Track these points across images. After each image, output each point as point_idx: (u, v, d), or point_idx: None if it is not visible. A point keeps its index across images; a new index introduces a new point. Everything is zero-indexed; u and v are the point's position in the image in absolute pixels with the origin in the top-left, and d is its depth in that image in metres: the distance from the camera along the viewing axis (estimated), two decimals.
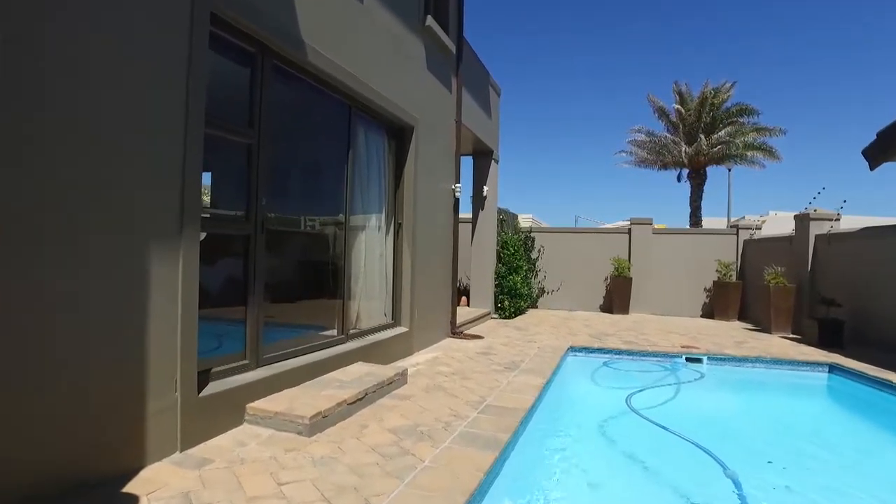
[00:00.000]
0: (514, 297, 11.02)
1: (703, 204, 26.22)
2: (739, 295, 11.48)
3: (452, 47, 7.78)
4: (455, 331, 8.19)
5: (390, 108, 6.04)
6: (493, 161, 10.95)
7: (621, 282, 12.18)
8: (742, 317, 11.58)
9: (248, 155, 4.00)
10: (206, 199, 5.05)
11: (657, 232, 12.67)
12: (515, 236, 11.73)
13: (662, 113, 26.27)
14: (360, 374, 4.76)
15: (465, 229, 10.19)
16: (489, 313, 10.75)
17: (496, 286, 11.10)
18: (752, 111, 24.38)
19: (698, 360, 7.32)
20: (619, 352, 7.58)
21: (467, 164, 10.90)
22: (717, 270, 11.85)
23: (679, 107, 24.90)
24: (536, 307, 13.03)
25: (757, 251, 11.57)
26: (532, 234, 13.02)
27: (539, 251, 13.19)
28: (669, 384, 6.38)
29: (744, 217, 31.09)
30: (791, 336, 9.16)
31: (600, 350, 7.64)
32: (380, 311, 6.40)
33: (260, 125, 4.08)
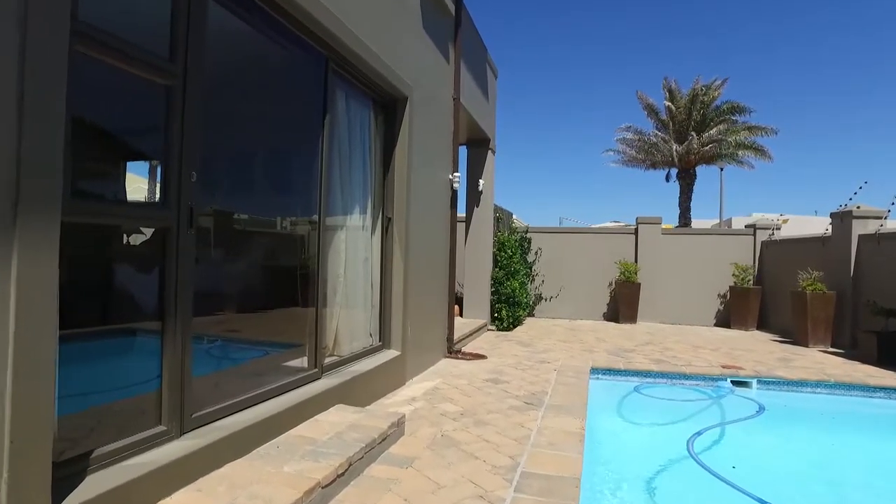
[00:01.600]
0: (512, 306, 9.71)
1: (691, 205, 25.43)
2: (759, 302, 10.38)
3: (451, 7, 6.44)
4: (452, 349, 6.83)
5: (380, 70, 4.66)
6: (489, 151, 9.64)
7: (628, 287, 10.97)
8: (761, 326, 10.48)
9: (167, 103, 2.58)
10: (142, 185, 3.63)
11: (666, 232, 11.52)
12: (513, 237, 10.43)
13: (651, 110, 25.39)
14: (340, 429, 3.37)
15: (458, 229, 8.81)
16: (486, 324, 9.42)
17: (492, 293, 9.78)
18: (744, 109, 23.64)
19: (745, 384, 6.10)
20: (651, 374, 6.31)
21: (461, 154, 9.55)
22: (733, 275, 10.72)
23: (669, 103, 24.03)
24: (533, 315, 11.75)
25: (777, 253, 10.49)
26: (528, 235, 11.73)
27: (536, 253, 11.93)
28: (728, 422, 5.10)
29: (730, 218, 30.44)
30: (831, 350, 8.04)
31: (628, 372, 6.36)
32: (364, 331, 5.02)
33: (187, 61, 2.66)
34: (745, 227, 11.40)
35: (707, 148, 23.38)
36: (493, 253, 10.02)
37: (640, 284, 10.97)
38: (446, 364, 6.33)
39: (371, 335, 5.18)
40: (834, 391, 5.86)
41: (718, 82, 23.93)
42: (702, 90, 23.65)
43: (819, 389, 5.90)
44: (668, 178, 26.50)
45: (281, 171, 4.08)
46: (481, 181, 9.46)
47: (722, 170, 24.84)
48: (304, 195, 4.05)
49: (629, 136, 25.92)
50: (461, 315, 9.64)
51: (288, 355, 3.90)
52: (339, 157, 4.56)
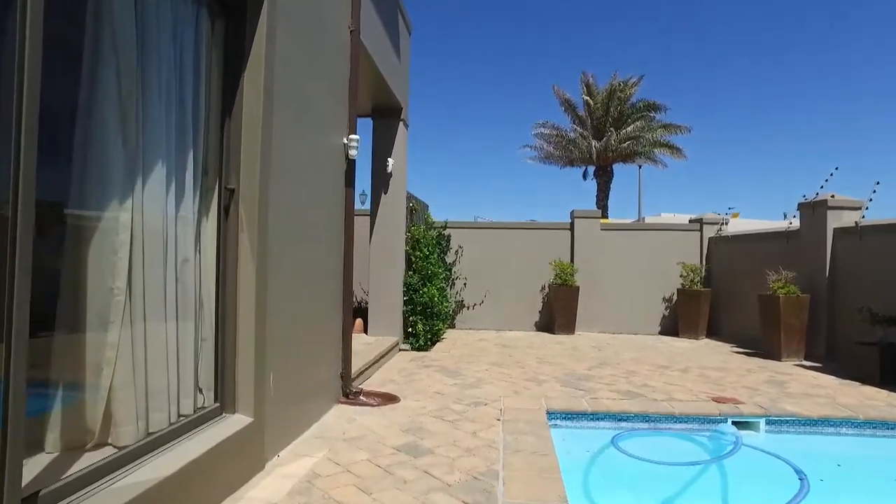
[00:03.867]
0: (430, 318, 7.76)
1: (608, 203, 24.93)
2: (709, 306, 9.15)
3: None
4: (350, 390, 4.74)
5: None
6: (401, 123, 7.63)
7: (565, 292, 9.38)
8: (711, 333, 9.26)
9: None
10: None
11: (606, 227, 10.08)
12: (430, 233, 8.50)
13: (569, 106, 24.61)
14: None
15: (361, 223, 6.71)
16: (397, 343, 7.40)
17: (405, 302, 7.78)
18: (660, 107, 23.41)
19: (749, 426, 4.54)
20: (628, 417, 4.58)
21: (364, 128, 7.39)
22: (681, 275, 9.44)
23: (587, 97, 23.30)
24: (454, 327, 9.88)
25: (729, 251, 9.33)
26: (447, 231, 9.83)
27: (457, 253, 10.07)
28: None
29: (643, 218, 30.45)
30: (807, 363, 6.82)
31: (597, 416, 4.59)
32: (183, 388, 2.81)
33: None
34: (691, 221, 10.20)
35: (625, 145, 22.86)
36: (406, 252, 8.02)
37: (578, 288, 9.40)
38: (339, 417, 4.23)
39: (201, 391, 2.99)
40: (862, 431, 4.43)
41: (635, 79, 23.58)
42: (619, 86, 23.14)
43: (844, 429, 4.44)
44: (585, 176, 25.91)
45: None
46: (390, 161, 7.43)
47: (640, 167, 24.46)
48: None
49: (546, 131, 25.01)
50: (366, 331, 7.56)
51: None
52: (116, 75, 2.37)
